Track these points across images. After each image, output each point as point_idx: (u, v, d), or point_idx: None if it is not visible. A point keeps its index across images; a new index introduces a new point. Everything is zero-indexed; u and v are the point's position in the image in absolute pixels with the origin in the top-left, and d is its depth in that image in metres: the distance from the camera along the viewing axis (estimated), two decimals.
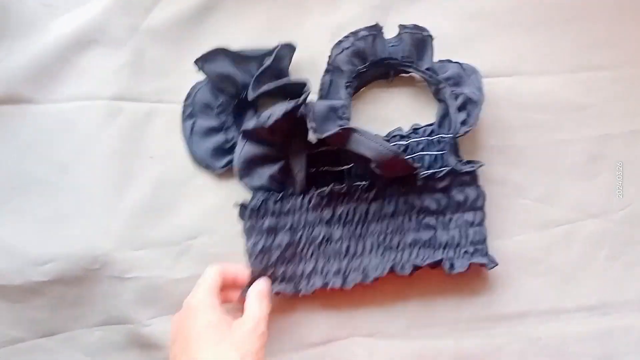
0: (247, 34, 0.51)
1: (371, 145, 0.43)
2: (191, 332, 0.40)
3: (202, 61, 0.47)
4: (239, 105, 0.49)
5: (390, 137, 0.49)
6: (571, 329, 0.48)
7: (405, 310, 0.48)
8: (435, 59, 0.49)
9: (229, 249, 0.48)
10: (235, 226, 0.48)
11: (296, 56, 0.50)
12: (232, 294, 0.46)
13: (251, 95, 0.46)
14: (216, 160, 0.49)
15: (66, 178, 0.49)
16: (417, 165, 0.45)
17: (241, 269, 0.46)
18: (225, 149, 0.49)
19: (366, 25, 0.49)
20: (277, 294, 0.46)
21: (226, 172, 0.49)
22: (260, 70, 0.47)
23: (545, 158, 0.50)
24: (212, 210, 0.49)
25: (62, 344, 0.48)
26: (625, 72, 0.51)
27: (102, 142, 0.49)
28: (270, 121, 0.43)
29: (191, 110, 0.49)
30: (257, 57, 0.48)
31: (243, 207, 0.47)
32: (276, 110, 0.44)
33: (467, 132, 0.46)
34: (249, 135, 0.46)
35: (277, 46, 0.47)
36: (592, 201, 0.49)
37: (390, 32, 0.50)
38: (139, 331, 0.48)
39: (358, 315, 0.48)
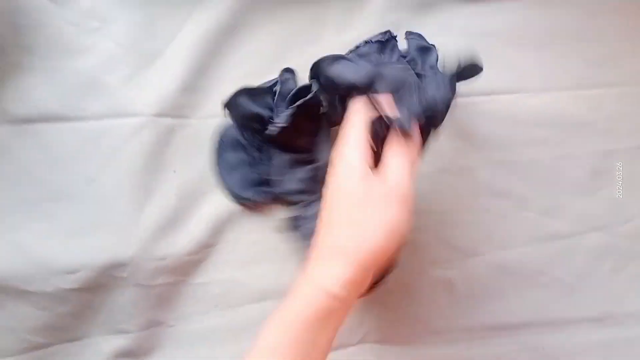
0: (265, 53, 0.52)
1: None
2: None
3: (227, 107, 0.48)
4: (265, 137, 0.50)
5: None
6: (574, 340, 0.49)
7: (413, 318, 0.49)
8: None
9: (246, 255, 0.50)
10: (251, 234, 0.50)
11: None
12: None
13: (280, 122, 0.47)
14: (244, 190, 0.50)
15: (92, 190, 0.50)
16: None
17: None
18: (254, 181, 0.50)
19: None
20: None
21: None
22: (275, 98, 0.49)
23: (549, 172, 0.50)
24: (231, 219, 0.51)
25: (84, 349, 0.50)
26: (630, 89, 0.51)
27: (127, 156, 0.50)
28: (289, 113, 0.44)
29: (221, 146, 0.51)
30: (269, 88, 0.50)
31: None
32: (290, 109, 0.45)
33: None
34: (277, 146, 0.48)
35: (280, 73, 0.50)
36: (596, 215, 0.50)
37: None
38: (164, 332, 0.50)
39: (368, 323, 0.49)
